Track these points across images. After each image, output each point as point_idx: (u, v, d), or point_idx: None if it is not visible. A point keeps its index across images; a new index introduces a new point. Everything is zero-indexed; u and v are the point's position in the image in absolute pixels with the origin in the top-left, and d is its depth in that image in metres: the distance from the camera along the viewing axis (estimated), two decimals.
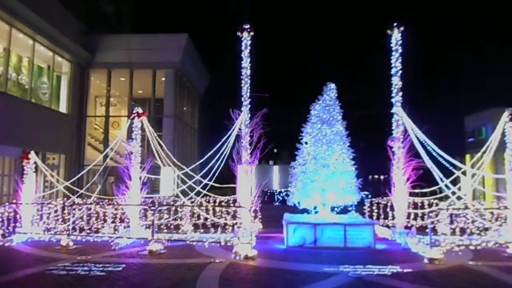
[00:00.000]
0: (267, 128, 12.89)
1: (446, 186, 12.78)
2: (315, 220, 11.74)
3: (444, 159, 12.90)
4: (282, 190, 27.42)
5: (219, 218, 13.41)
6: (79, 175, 15.33)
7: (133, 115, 13.32)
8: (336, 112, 12.81)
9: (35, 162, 13.50)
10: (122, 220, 13.86)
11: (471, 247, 10.47)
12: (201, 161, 13.99)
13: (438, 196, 13.33)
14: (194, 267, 9.10)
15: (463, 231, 12.67)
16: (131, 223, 12.98)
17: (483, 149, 13.09)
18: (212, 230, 13.02)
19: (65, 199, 13.99)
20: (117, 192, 12.93)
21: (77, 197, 14.08)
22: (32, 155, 13.41)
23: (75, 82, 25.00)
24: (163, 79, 27.42)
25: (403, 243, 11.75)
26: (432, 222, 11.62)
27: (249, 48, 13.41)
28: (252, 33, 13.36)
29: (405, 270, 8.84)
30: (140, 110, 13.44)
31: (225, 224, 13.39)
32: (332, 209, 12.66)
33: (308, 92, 14.07)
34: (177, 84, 27.57)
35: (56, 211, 13.32)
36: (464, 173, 13.29)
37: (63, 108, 24.25)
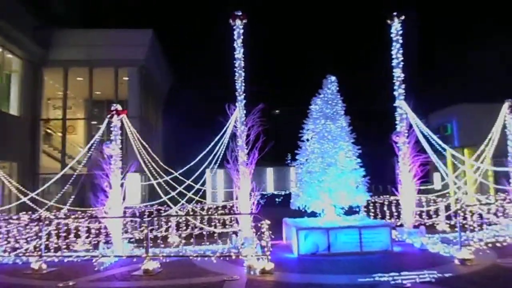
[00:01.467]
0: (266, 125, 11.70)
1: (454, 182, 12.28)
2: (326, 224, 10.69)
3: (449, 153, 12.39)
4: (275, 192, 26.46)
5: (214, 227, 12.03)
6: (48, 183, 13.21)
7: (111, 113, 11.61)
8: (339, 106, 11.88)
9: None
10: (97, 235, 12.14)
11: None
12: (192, 163, 12.47)
13: (442, 192, 12.82)
14: None
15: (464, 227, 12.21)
16: (113, 238, 11.27)
17: (485, 142, 12.71)
18: (206, 241, 11.65)
19: (29, 213, 11.96)
20: (95, 202, 11.17)
21: (45, 210, 12.10)
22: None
23: (27, 81, 22.42)
24: (125, 78, 25.43)
25: (417, 244, 11.00)
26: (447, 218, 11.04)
27: (241, 37, 12.18)
28: (245, 21, 12.16)
29: (446, 275, 8.02)
30: (119, 107, 11.77)
31: (221, 233, 12.07)
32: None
33: (302, 86, 13.01)
34: (142, 83, 25.68)
35: (23, 227, 11.31)
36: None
37: (14, 110, 21.63)
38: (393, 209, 13.09)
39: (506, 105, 12.57)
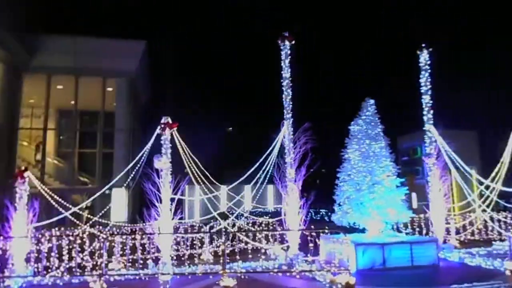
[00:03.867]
0: (314, 144, 12.05)
1: (473, 200, 13.42)
2: (380, 240, 11.19)
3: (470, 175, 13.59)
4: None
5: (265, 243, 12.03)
6: (93, 197, 12.32)
7: (162, 126, 11.31)
8: (379, 128, 12.58)
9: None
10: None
11: None
12: (242, 179, 12.42)
13: (466, 210, 13.93)
14: None
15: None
16: (163, 255, 10.86)
17: (499, 165, 14.05)
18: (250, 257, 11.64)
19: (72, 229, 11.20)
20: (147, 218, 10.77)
21: (90, 226, 11.36)
22: (28, 173, 10.48)
23: (6, 86, 20.82)
24: (110, 89, 24.52)
25: (454, 258, 11.84)
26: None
27: (289, 57, 12.56)
28: (293, 42, 12.56)
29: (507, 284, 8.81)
30: (169, 120, 11.49)
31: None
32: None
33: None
34: (131, 95, 24.89)
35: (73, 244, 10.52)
36: (486, 187, 14.00)
37: None
38: (422, 225, 13.96)
39: None
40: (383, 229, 11.84)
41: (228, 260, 11.50)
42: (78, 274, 9.95)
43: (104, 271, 9.41)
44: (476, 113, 28.63)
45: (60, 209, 11.09)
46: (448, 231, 13.59)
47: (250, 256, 12.23)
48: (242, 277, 9.56)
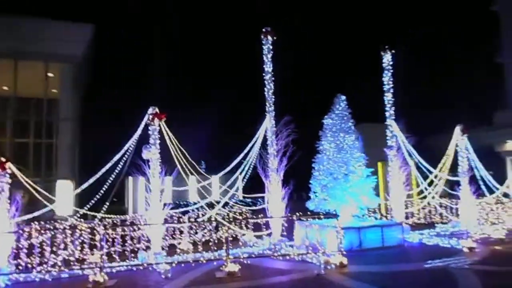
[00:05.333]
0: (295, 135, 12.72)
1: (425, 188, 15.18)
2: (357, 224, 12.25)
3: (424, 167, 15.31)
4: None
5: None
6: (80, 188, 11.56)
7: (151, 115, 11.16)
8: (350, 122, 13.61)
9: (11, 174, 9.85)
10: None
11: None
12: (227, 170, 12.65)
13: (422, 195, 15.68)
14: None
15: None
16: (153, 245, 10.81)
17: (444, 157, 15.90)
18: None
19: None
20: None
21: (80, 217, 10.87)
22: (9, 164, 9.76)
23: None
24: (51, 75, 22.97)
25: (416, 239, 13.31)
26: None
27: (271, 52, 13.05)
28: (275, 37, 13.05)
29: (474, 259, 10.28)
30: (157, 110, 11.36)
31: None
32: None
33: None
34: (77, 82, 23.53)
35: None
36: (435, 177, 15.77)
37: None
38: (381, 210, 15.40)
39: (457, 129, 15.99)
40: (360, 214, 12.93)
41: (215, 248, 11.85)
42: (76, 268, 9.57)
43: (105, 263, 9.19)
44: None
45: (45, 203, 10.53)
46: (407, 215, 15.20)
47: (230, 244, 12.55)
48: (245, 262, 9.98)
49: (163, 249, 11.18)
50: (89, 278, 8.90)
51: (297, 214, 11.57)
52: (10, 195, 9.63)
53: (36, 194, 10.40)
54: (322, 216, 11.78)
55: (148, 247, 11.17)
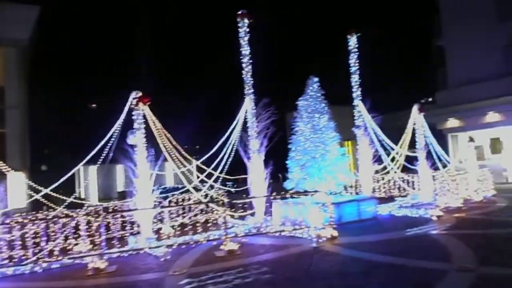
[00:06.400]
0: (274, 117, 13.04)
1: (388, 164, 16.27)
2: (336, 199, 12.89)
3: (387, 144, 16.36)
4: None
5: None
6: (63, 178, 10.90)
7: (135, 99, 10.87)
8: (324, 103, 14.16)
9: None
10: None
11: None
12: (211, 152, 12.65)
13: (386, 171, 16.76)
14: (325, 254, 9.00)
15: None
16: (142, 230, 10.69)
17: (404, 135, 17.08)
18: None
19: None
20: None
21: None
22: None
23: None
24: None
25: (385, 211, 14.30)
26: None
27: (248, 35, 13.15)
28: (251, 20, 13.15)
29: (447, 225, 11.37)
30: (140, 94, 11.08)
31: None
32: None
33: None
34: (23, 67, 21.93)
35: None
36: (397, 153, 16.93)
37: None
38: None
39: (414, 108, 17.20)
40: (338, 190, 13.61)
41: (201, 230, 11.95)
42: (77, 256, 9.25)
43: (104, 249, 8.96)
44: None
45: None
46: (373, 190, 16.24)
47: (212, 226, 12.75)
48: (243, 240, 10.23)
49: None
50: (89, 265, 8.69)
51: (282, 193, 11.97)
52: None
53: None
54: (303, 195, 12.31)
55: (138, 232, 11.04)
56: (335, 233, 10.36)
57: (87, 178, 29.51)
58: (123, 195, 20.42)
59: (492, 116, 24.04)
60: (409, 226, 11.39)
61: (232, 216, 13.24)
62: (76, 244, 10.82)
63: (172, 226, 12.91)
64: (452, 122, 26.00)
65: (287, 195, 12.36)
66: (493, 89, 23.61)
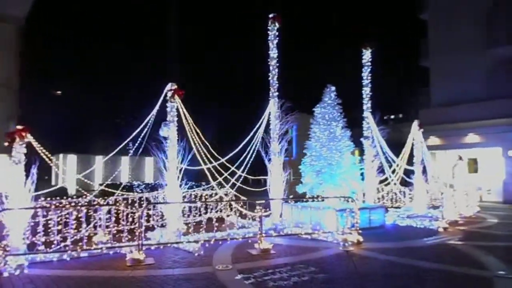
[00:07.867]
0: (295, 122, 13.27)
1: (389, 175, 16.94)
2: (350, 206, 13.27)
3: (391, 158, 17.03)
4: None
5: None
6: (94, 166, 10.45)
7: (170, 91, 10.74)
8: (340, 112, 14.57)
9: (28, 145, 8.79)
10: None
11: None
12: (236, 150, 12.65)
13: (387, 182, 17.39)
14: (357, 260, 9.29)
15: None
16: (168, 223, 10.56)
17: (404, 150, 17.81)
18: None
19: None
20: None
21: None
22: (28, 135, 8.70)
23: None
24: None
25: (390, 220, 14.86)
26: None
27: (277, 38, 13.33)
28: (280, 24, 13.35)
29: (458, 236, 12.02)
30: (176, 86, 10.95)
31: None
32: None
33: None
34: (17, 45, 20.91)
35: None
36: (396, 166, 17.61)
37: None
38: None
39: (415, 123, 18.00)
40: (353, 197, 13.97)
41: (205, 227, 11.87)
42: (113, 245, 8.99)
43: (143, 240, 8.79)
44: None
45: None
46: (378, 199, 16.82)
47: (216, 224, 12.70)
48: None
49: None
50: (127, 256, 8.52)
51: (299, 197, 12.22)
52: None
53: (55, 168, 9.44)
54: (319, 199, 12.63)
55: (162, 225, 10.90)
56: (361, 239, 10.70)
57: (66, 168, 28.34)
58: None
59: (471, 137, 25.56)
60: (421, 236, 11.94)
61: (244, 217, 13.28)
62: (95, 234, 10.56)
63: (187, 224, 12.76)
64: (433, 140, 27.27)
65: (304, 199, 12.61)
66: (474, 112, 25.15)
